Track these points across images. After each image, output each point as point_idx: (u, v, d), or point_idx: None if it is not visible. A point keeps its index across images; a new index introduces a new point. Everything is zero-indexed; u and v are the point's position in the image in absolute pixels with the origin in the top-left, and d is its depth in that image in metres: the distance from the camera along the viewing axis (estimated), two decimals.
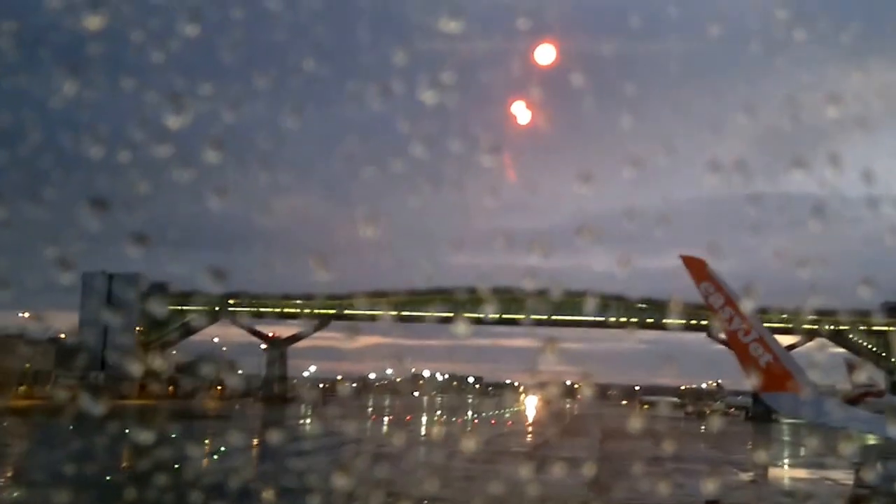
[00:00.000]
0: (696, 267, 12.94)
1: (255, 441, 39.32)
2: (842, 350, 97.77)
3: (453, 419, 77.59)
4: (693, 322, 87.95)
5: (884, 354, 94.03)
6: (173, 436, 38.78)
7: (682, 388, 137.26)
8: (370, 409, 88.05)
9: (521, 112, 18.50)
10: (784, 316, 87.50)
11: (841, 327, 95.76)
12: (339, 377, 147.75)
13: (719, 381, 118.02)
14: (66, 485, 18.69)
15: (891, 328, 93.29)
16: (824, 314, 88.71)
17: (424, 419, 76.51)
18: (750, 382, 12.64)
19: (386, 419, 70.98)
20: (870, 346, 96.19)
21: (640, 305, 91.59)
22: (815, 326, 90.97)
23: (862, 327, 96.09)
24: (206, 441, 39.06)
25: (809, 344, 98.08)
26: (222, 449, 34.58)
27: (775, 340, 12.70)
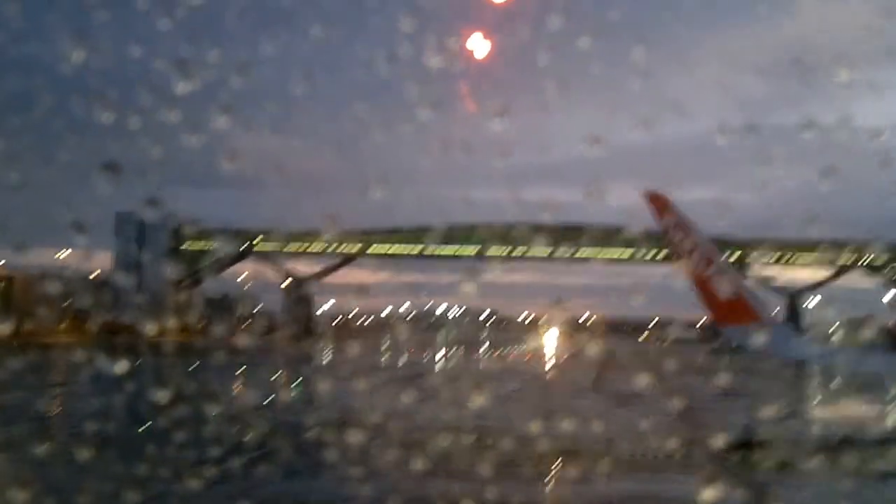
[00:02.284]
0: (658, 202, 12.98)
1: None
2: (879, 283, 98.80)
3: (490, 353, 78.93)
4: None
5: None
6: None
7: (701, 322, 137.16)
8: (403, 343, 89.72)
9: (478, 45, 17.43)
10: (822, 248, 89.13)
11: (881, 260, 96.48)
12: (355, 312, 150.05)
13: None
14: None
15: None
16: (864, 247, 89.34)
17: (460, 352, 79.19)
18: (708, 315, 12.74)
19: (417, 352, 73.38)
20: None
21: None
22: (854, 260, 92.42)
23: None
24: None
25: (844, 277, 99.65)
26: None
27: (736, 275, 13.20)
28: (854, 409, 32.86)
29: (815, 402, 36.04)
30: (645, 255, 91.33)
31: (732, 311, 11.94)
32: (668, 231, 12.77)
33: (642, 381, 44.12)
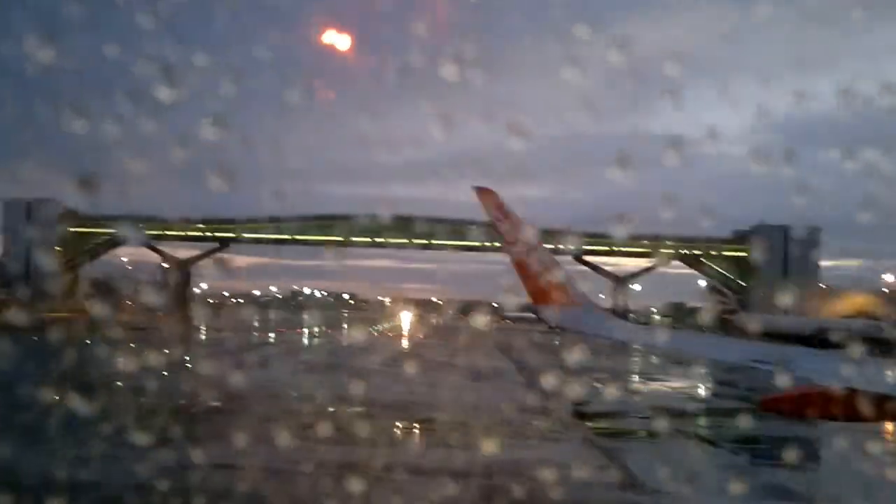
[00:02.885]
0: (486, 196, 13.22)
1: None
2: (693, 272, 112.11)
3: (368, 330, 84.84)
4: (555, 246, 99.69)
5: (732, 277, 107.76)
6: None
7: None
8: (273, 321, 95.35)
9: (336, 39, 17.19)
10: (645, 242, 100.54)
11: (695, 252, 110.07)
12: (229, 293, 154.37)
13: None
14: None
15: (738, 254, 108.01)
16: (681, 241, 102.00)
17: (324, 330, 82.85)
18: (529, 298, 12.98)
19: (286, 330, 77.88)
20: (720, 270, 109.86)
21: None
22: (672, 251, 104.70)
23: (713, 252, 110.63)
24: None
25: (665, 267, 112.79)
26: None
27: (556, 261, 13.44)
28: (666, 383, 37.13)
29: (634, 377, 40.14)
30: (488, 245, 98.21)
31: (551, 294, 12.38)
32: (496, 222, 13.05)
33: (486, 356, 47.62)
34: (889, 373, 7.10)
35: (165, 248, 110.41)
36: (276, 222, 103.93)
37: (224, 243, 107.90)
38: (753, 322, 72.27)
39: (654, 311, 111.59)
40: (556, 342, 44.82)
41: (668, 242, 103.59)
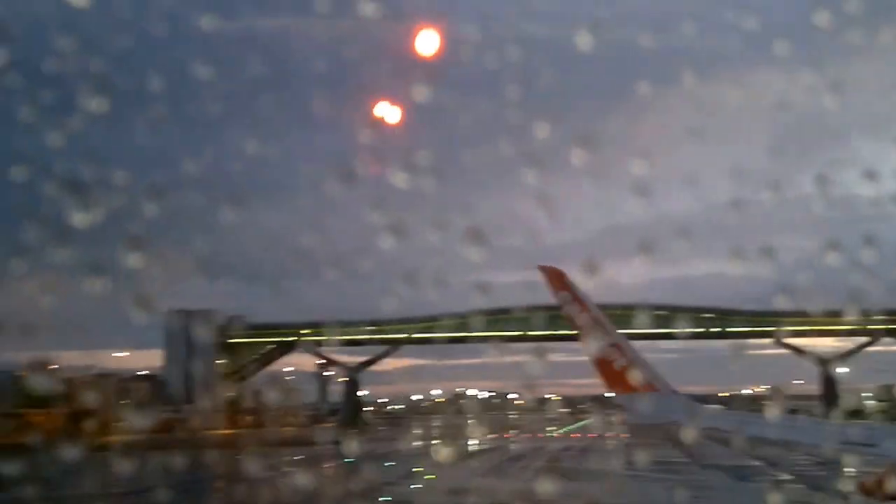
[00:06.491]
0: (554, 277, 13.04)
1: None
2: None
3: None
4: (760, 329, 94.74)
5: None
6: None
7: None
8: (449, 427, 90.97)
9: (387, 112, 16.99)
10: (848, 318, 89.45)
11: None
12: (386, 399, 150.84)
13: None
14: None
15: None
16: (890, 314, 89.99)
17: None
18: (604, 386, 12.64)
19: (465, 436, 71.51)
20: None
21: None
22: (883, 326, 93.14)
23: None
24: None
25: (876, 345, 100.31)
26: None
27: (629, 345, 13.00)
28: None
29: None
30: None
31: (627, 380, 12.09)
32: (564, 304, 12.78)
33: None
34: None
35: (330, 354, 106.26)
36: (431, 321, 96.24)
37: (394, 345, 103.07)
38: None
39: (865, 394, 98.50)
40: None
41: (876, 317, 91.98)
